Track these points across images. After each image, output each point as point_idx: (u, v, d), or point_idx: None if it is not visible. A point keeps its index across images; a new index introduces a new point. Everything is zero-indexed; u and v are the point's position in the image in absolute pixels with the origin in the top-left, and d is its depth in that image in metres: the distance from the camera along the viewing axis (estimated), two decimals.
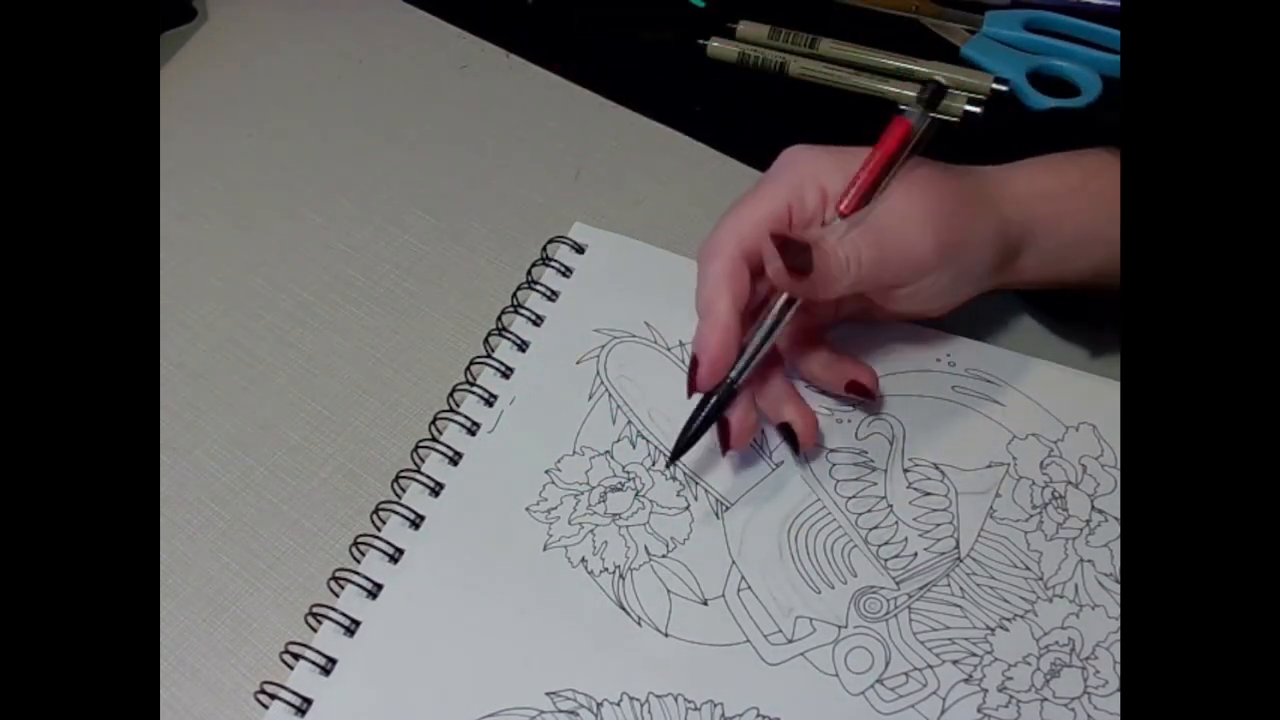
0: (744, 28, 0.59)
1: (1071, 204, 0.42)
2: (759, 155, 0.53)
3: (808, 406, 0.42)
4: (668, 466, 0.43)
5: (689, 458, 0.43)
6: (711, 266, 0.41)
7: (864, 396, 0.43)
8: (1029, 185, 0.42)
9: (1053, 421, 0.44)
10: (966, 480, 0.42)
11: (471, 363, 0.46)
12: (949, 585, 0.40)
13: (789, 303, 0.40)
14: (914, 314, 0.44)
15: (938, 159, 0.42)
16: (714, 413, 0.41)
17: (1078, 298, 0.45)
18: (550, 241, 0.50)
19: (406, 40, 0.60)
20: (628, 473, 0.43)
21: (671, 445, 0.41)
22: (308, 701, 0.38)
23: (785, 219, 0.41)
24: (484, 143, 0.55)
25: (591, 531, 0.41)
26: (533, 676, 0.38)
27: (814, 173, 0.41)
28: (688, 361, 0.45)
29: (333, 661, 0.39)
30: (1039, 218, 0.42)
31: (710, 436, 0.41)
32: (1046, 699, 0.38)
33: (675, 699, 0.38)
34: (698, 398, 0.41)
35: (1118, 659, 0.38)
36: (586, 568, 0.41)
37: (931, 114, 0.41)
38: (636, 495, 0.42)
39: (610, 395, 0.45)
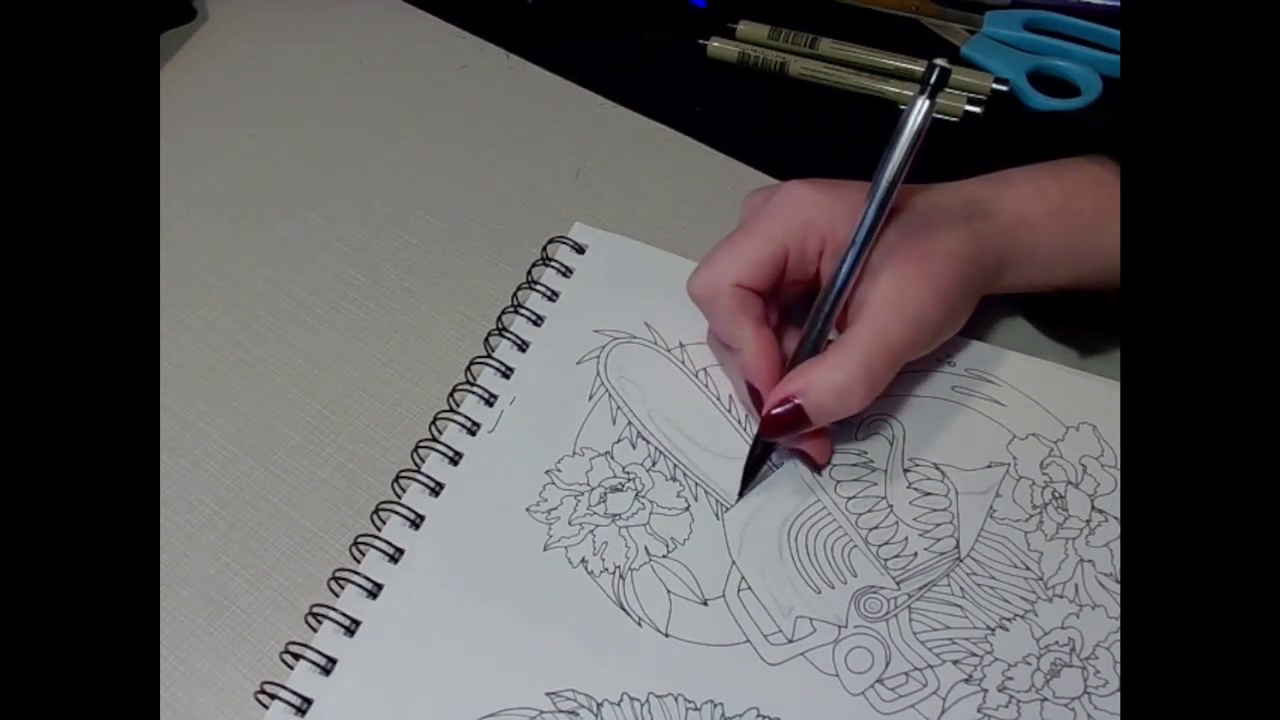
0: (744, 28, 0.59)
1: (1049, 228, 0.42)
2: (759, 155, 0.54)
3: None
4: (740, 497, 0.42)
5: (690, 458, 0.43)
6: (718, 306, 0.41)
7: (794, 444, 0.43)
8: (1012, 211, 0.42)
9: (1053, 421, 0.44)
10: (966, 480, 0.42)
11: (471, 363, 0.46)
12: (949, 585, 0.40)
13: (837, 299, 0.40)
14: None
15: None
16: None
17: (1065, 303, 0.45)
18: (550, 241, 0.50)
19: (406, 40, 0.60)
20: (628, 473, 0.43)
21: (673, 446, 0.41)
22: (308, 701, 0.38)
23: (781, 263, 0.41)
24: (484, 143, 0.55)
25: (592, 532, 0.41)
26: (533, 676, 0.38)
27: (816, 218, 0.41)
28: (688, 364, 0.46)
29: (333, 661, 0.39)
30: (1017, 244, 0.42)
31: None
32: (1046, 699, 0.38)
33: (675, 699, 0.38)
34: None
35: (1118, 659, 0.38)
36: (587, 568, 0.41)
37: (932, 102, 0.38)
38: (636, 496, 0.42)
39: (610, 396, 0.45)
